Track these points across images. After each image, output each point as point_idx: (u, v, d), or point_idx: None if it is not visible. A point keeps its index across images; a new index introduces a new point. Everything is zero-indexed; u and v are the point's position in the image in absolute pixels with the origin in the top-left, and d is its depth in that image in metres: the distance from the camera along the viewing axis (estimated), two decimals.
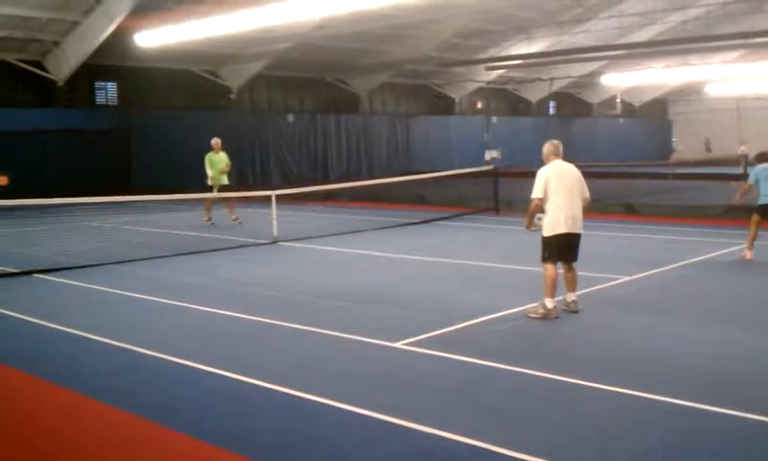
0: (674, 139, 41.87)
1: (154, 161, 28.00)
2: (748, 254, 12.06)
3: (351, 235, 16.20)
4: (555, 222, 8.59)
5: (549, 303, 8.50)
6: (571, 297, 8.77)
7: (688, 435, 5.18)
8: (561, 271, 8.76)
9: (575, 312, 8.67)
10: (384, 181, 22.82)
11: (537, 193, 8.63)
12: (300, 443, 5.25)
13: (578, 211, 8.68)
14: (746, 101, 47.00)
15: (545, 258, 8.66)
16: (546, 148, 8.95)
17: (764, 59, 36.03)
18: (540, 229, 8.76)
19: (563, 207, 8.57)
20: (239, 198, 19.65)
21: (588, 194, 8.85)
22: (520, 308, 8.89)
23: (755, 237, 12.12)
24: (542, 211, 8.69)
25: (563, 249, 8.65)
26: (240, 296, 10.17)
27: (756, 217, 12.10)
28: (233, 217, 18.49)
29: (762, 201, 12.05)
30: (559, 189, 8.58)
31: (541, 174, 8.68)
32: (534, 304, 8.69)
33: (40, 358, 7.52)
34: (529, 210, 8.80)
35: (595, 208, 19.56)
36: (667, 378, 6.33)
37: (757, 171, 12.10)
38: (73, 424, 5.80)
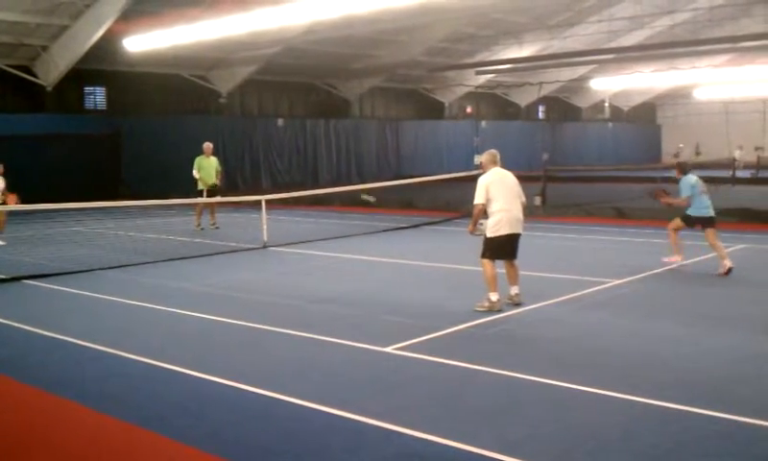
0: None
1: (143, 166, 27.91)
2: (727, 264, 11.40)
3: (341, 240, 16.19)
4: (498, 224, 9.16)
5: (493, 297, 9.03)
6: (514, 290, 9.32)
7: (680, 439, 5.19)
8: (501, 270, 9.30)
9: (518, 304, 9.21)
10: (374, 186, 22.81)
11: (479, 199, 9.22)
12: (289, 448, 5.23)
13: (518, 213, 9.28)
14: (733, 104, 47.25)
15: (484, 256, 9.21)
16: (485, 157, 9.58)
17: (751, 62, 36.23)
18: (482, 233, 9.31)
19: (504, 210, 9.14)
20: (228, 203, 19.63)
21: (524, 198, 9.47)
22: (510, 313, 8.93)
23: (719, 248, 11.54)
24: (485, 217, 9.28)
25: (504, 248, 9.23)
26: (230, 301, 10.15)
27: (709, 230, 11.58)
28: (212, 222, 18.53)
29: (706, 213, 11.57)
30: (499, 194, 9.18)
31: (482, 181, 9.28)
32: (480, 300, 9.12)
33: (29, 365, 7.48)
34: (473, 216, 9.37)
35: (585, 212, 19.74)
36: (658, 382, 6.35)
37: (694, 184, 11.54)
38: (63, 430, 5.77)
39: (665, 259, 12.13)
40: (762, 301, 9.61)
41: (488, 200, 9.16)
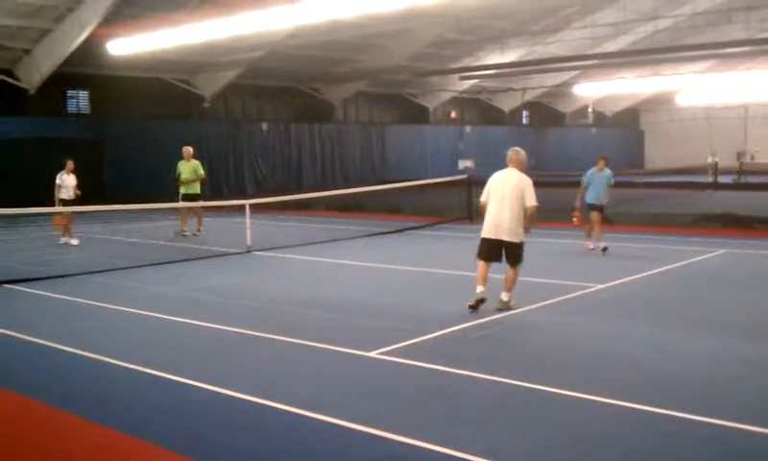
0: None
1: (126, 170, 27.76)
2: (590, 245, 14.19)
3: (325, 245, 16.17)
4: (484, 226, 9.45)
5: (477, 289, 9.17)
6: (503, 295, 9.35)
7: (660, 442, 5.23)
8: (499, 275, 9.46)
9: (500, 310, 9.23)
10: (358, 191, 22.81)
11: (482, 197, 9.56)
12: (273, 453, 5.23)
13: (505, 220, 9.24)
14: (715, 110, 47.60)
15: (476, 255, 9.46)
16: (508, 154, 9.62)
17: (733, 69, 36.57)
18: None
19: (491, 214, 9.34)
20: (212, 207, 19.52)
21: (531, 202, 9.29)
22: (494, 317, 8.96)
23: (591, 230, 14.20)
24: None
25: (489, 251, 9.36)
26: (214, 306, 10.12)
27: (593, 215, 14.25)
28: (198, 228, 18.33)
29: (588, 201, 14.33)
30: (493, 197, 9.35)
31: (489, 181, 9.53)
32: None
33: (11, 370, 7.43)
34: (481, 213, 9.64)
35: (568, 217, 19.76)
36: (639, 385, 6.39)
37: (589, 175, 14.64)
38: (45, 435, 5.73)
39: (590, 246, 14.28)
40: (742, 305, 9.68)
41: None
